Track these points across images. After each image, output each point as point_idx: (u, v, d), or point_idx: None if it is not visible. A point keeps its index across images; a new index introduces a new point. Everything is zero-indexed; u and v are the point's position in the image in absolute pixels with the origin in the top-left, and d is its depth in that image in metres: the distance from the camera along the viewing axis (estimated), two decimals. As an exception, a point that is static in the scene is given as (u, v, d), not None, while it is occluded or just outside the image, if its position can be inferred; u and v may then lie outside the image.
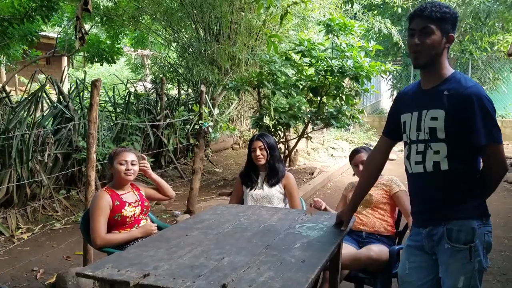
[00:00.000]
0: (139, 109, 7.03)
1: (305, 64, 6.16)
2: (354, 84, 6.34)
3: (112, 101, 7.06)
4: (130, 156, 2.81)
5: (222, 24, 8.44)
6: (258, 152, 3.10)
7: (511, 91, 13.23)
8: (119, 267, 1.76)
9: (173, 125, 7.05)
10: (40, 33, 7.52)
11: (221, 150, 8.44)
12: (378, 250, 2.59)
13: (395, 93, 14.29)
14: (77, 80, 6.32)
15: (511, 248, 4.13)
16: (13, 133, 4.55)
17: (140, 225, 2.81)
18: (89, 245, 3.15)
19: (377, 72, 6.15)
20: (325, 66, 5.87)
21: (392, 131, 2.08)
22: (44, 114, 5.43)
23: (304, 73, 6.25)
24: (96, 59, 7.85)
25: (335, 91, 6.28)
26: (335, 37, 6.33)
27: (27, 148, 4.65)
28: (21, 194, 4.69)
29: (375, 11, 12.03)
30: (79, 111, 5.57)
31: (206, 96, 5.87)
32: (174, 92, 9.58)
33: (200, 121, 4.85)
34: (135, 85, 8.83)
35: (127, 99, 6.87)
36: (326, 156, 9.34)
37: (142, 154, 3.05)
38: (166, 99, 7.29)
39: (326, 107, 6.46)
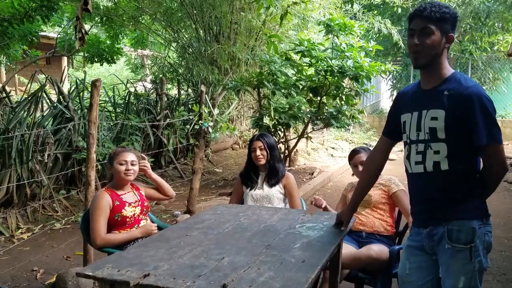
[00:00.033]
0: (139, 109, 7.03)
1: (305, 64, 6.17)
2: (354, 84, 6.34)
3: (112, 101, 7.06)
4: (130, 156, 2.81)
5: (222, 24, 8.44)
6: (258, 152, 3.10)
7: (511, 91, 13.23)
8: (119, 267, 1.76)
9: (173, 125, 7.05)
10: (40, 33, 7.52)
11: (221, 150, 8.44)
12: (378, 249, 2.60)
13: (395, 93, 14.29)
14: (77, 80, 6.32)
15: (511, 248, 4.13)
16: (13, 133, 4.55)
17: (140, 225, 2.81)
18: (89, 245, 3.15)
19: (377, 72, 6.15)
20: (325, 66, 5.87)
21: (392, 131, 2.08)
22: (44, 114, 5.43)
23: (304, 73, 6.25)
24: (96, 59, 7.85)
25: (335, 91, 6.28)
26: (335, 37, 6.33)
27: (27, 148, 4.65)
28: (21, 194, 4.69)
29: (375, 11, 12.04)
30: (79, 111, 5.57)
31: (206, 96, 5.87)
32: (174, 92, 9.58)
33: (200, 121, 4.85)
34: (135, 85, 8.83)
35: (127, 99, 6.87)
36: (326, 156, 9.34)
37: (142, 154, 3.05)
38: (166, 99, 7.29)
39: (326, 107, 6.46)
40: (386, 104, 16.20)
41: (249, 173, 3.19)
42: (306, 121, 6.61)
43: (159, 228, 2.85)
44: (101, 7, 8.75)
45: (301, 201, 3.23)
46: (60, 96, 5.53)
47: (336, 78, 5.99)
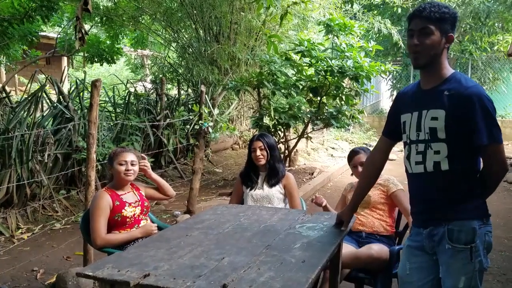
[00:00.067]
0: (139, 109, 7.03)
1: (305, 64, 6.17)
2: (354, 84, 6.34)
3: (112, 101, 7.06)
4: (130, 157, 2.81)
5: (222, 24, 8.44)
6: (258, 152, 3.10)
7: (511, 91, 13.24)
8: (119, 267, 1.76)
9: (173, 125, 7.05)
10: (40, 33, 7.52)
11: (221, 150, 8.44)
12: (378, 248, 2.60)
13: (395, 93, 14.29)
14: (77, 80, 6.32)
15: (511, 248, 4.13)
16: (13, 133, 4.55)
17: (140, 225, 2.81)
18: (89, 245, 3.15)
19: (377, 72, 6.15)
20: (325, 66, 5.87)
21: (392, 131, 2.08)
22: (44, 114, 5.43)
23: (304, 73, 6.25)
24: (96, 59, 7.85)
25: (335, 91, 6.28)
26: (335, 37, 6.33)
27: (27, 148, 4.65)
28: (21, 194, 4.69)
29: (375, 11, 12.04)
30: (79, 111, 5.57)
31: (206, 96, 5.87)
32: (174, 92, 9.58)
33: (200, 121, 4.85)
34: (135, 85, 8.83)
35: (127, 99, 6.87)
36: (326, 156, 9.35)
37: (142, 154, 3.05)
38: (166, 99, 7.29)
39: (326, 107, 6.47)
40: (386, 104, 16.20)
41: (249, 173, 3.19)
42: (306, 121, 6.61)
43: (159, 228, 2.85)
44: (101, 7, 8.75)
45: (301, 201, 3.23)
46: (60, 96, 5.53)
47: (336, 78, 5.99)
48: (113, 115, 6.76)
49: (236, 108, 8.95)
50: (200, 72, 8.39)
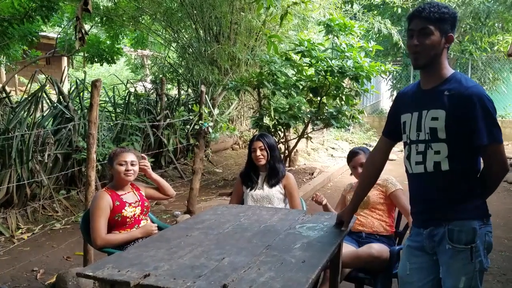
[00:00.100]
0: (139, 109, 7.03)
1: (305, 65, 6.17)
2: (354, 84, 6.34)
3: (112, 101, 7.06)
4: (130, 157, 2.81)
5: (222, 24, 8.44)
6: (259, 152, 3.10)
7: (511, 91, 13.24)
8: (119, 267, 1.76)
9: (173, 125, 7.05)
10: (40, 33, 7.52)
11: (221, 150, 8.44)
12: (379, 248, 2.60)
13: (395, 93, 14.29)
14: (77, 80, 6.32)
15: (511, 249, 4.13)
16: (13, 133, 4.55)
17: (140, 225, 2.81)
18: (89, 245, 3.15)
19: (377, 72, 6.15)
20: (325, 67, 5.87)
21: (392, 131, 2.08)
22: (44, 114, 5.43)
23: (304, 73, 6.25)
24: (96, 59, 7.86)
25: (335, 91, 6.28)
26: (335, 38, 6.33)
27: (27, 148, 4.65)
28: (21, 194, 4.69)
29: (375, 12, 12.04)
30: (79, 111, 5.57)
31: (206, 96, 5.87)
32: (174, 92, 9.58)
33: (200, 121, 4.85)
34: (135, 85, 8.83)
35: (127, 99, 6.87)
36: (326, 156, 9.35)
37: (142, 154, 3.05)
38: (166, 99, 7.29)
39: (326, 107, 6.47)
40: (386, 104, 16.20)
41: (249, 173, 3.19)
42: (306, 121, 6.61)
43: (159, 228, 2.85)
44: (101, 7, 8.75)
45: (301, 201, 3.23)
46: (60, 96, 5.53)
47: (336, 78, 5.99)
48: (113, 115, 6.76)
49: (236, 108, 8.95)
50: (200, 72, 8.39)
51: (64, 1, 7.44)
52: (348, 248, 2.65)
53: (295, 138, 7.11)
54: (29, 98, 5.15)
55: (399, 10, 11.93)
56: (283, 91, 6.27)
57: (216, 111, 5.54)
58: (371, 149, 2.37)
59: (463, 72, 10.97)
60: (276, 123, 6.33)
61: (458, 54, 12.61)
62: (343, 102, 6.40)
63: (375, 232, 2.83)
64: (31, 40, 6.68)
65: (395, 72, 13.30)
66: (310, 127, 7.20)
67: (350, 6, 11.01)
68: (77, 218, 4.76)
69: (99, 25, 9.22)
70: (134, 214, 2.79)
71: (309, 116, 6.40)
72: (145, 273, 1.69)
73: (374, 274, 2.61)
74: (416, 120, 1.87)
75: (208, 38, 8.79)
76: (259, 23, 8.31)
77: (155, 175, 3.00)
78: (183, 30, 9.35)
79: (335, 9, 9.03)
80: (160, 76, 8.88)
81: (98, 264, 1.82)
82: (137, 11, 8.88)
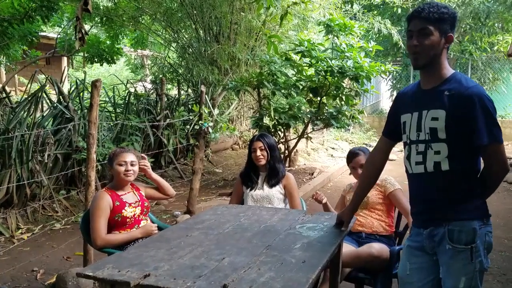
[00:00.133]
0: (139, 109, 7.03)
1: (305, 65, 6.17)
2: (354, 85, 6.34)
3: (112, 101, 7.06)
4: (129, 157, 2.81)
5: (222, 24, 8.44)
6: (259, 152, 3.10)
7: (511, 92, 13.24)
8: (119, 268, 1.76)
9: (173, 126, 7.05)
10: (40, 33, 7.53)
11: (221, 151, 8.44)
12: (379, 247, 2.60)
13: (394, 93, 14.29)
14: (77, 81, 6.32)
15: (511, 249, 4.13)
16: (13, 134, 4.55)
17: (140, 226, 2.81)
18: (89, 246, 3.15)
19: (377, 72, 6.15)
20: (325, 67, 5.87)
21: (392, 131, 2.08)
22: (44, 115, 5.43)
23: (304, 74, 6.25)
24: (96, 60, 7.86)
25: (335, 92, 6.28)
26: (335, 38, 6.33)
27: (27, 149, 4.65)
28: (21, 194, 4.69)
29: (375, 12, 12.04)
30: (79, 112, 5.57)
31: (206, 96, 5.87)
32: (174, 92, 9.58)
33: (200, 122, 4.85)
34: (135, 85, 8.83)
35: (127, 99, 6.87)
36: (326, 156, 9.35)
37: (142, 154, 3.05)
38: (166, 99, 7.29)
39: (326, 107, 6.47)
40: (386, 104, 16.20)
41: (249, 174, 3.19)
42: (306, 121, 6.61)
43: (159, 228, 2.85)
44: (101, 7, 8.75)
45: (301, 201, 3.23)
46: (60, 97, 5.53)
47: (336, 79, 5.99)
48: (113, 115, 6.76)
49: (236, 108, 8.95)
50: (200, 72, 8.39)
51: (64, 1, 7.44)
52: (348, 248, 2.65)
53: (295, 138, 7.11)
54: (29, 98, 5.15)
55: (399, 10, 11.93)
56: (283, 91, 6.27)
57: (216, 111, 5.54)
58: (371, 149, 2.37)
59: (463, 72, 10.98)
60: (276, 123, 6.33)
61: (458, 54, 12.61)
62: (343, 102, 6.41)
63: (375, 232, 2.83)
64: (31, 40, 6.68)
65: (395, 72, 13.30)
66: (310, 127, 7.20)
67: (350, 6, 11.01)
68: (77, 218, 4.76)
69: (99, 25, 9.22)
70: (134, 214, 2.79)
71: (309, 116, 6.40)
72: (145, 273, 1.69)
73: (374, 274, 2.61)
74: (416, 120, 1.87)
75: (208, 38, 8.79)
76: (259, 23, 8.31)
77: (155, 175, 3.00)
78: (183, 30, 9.35)
79: (335, 9, 9.03)
80: (160, 76, 8.88)
81: (98, 264, 1.82)
82: (137, 11, 8.88)
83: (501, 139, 1.77)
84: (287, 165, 7.09)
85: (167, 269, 1.75)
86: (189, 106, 7.53)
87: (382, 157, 2.15)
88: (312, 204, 5.14)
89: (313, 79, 6.12)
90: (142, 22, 9.50)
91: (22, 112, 5.00)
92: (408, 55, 1.90)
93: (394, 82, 14.71)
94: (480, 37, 12.32)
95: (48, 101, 5.64)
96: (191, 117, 7.00)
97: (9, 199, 4.61)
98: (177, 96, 7.96)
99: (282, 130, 6.62)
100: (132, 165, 2.79)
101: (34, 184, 4.79)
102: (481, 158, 1.83)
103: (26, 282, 3.44)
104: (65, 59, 13.14)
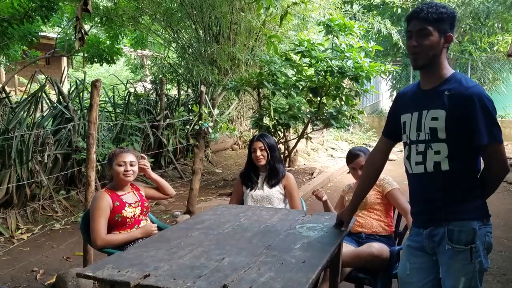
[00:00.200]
0: (139, 109, 7.03)
1: (305, 65, 6.17)
2: (354, 85, 6.34)
3: (112, 101, 7.06)
4: (129, 157, 2.80)
5: (222, 24, 8.44)
6: (259, 152, 3.10)
7: (511, 92, 13.24)
8: (119, 268, 1.76)
9: (173, 126, 7.05)
10: (39, 34, 7.52)
11: (221, 151, 8.44)
12: (379, 247, 2.60)
13: (394, 93, 14.29)
14: (77, 81, 6.32)
15: (511, 249, 4.13)
16: (13, 134, 4.55)
17: (140, 226, 2.80)
18: (89, 246, 3.15)
19: (377, 72, 6.15)
20: (325, 67, 5.87)
21: (392, 131, 2.08)
22: (44, 115, 5.43)
23: (304, 74, 6.25)
24: (95, 60, 7.86)
25: (335, 92, 6.28)
26: (335, 38, 6.33)
27: (26, 149, 4.65)
28: (20, 194, 4.69)
29: (375, 12, 12.03)
30: (79, 112, 5.57)
31: (206, 96, 5.87)
32: (173, 92, 9.58)
33: (200, 122, 4.85)
34: (134, 85, 8.82)
35: (126, 99, 6.87)
36: (326, 156, 9.35)
37: (142, 154, 3.05)
38: (165, 99, 7.29)
39: (326, 107, 6.47)
40: (386, 104, 16.21)
41: (249, 174, 3.19)
42: (306, 121, 6.61)
43: (159, 228, 2.85)
44: (101, 7, 8.75)
45: (301, 201, 3.23)
46: (60, 97, 5.53)
47: (336, 79, 5.99)
48: (113, 115, 6.76)
49: (236, 109, 8.95)
50: (200, 72, 8.39)
51: (64, 1, 7.44)
52: (348, 248, 2.65)
53: (295, 138, 7.11)
54: (29, 98, 5.15)
55: (399, 10, 11.93)
56: (283, 91, 6.27)
57: (216, 111, 5.54)
58: (371, 149, 2.37)
59: (463, 72, 10.96)
60: (276, 123, 6.33)
61: (458, 54, 12.62)
62: (343, 102, 6.41)
63: (375, 232, 2.83)
64: (31, 40, 6.68)
65: (394, 72, 13.31)
66: (310, 127, 7.20)
67: (350, 6, 11.01)
68: (77, 219, 4.76)
69: (99, 25, 9.22)
70: (134, 215, 2.79)
71: (309, 116, 6.40)
72: (145, 273, 1.69)
73: (374, 274, 2.61)
74: (416, 120, 1.87)
75: (208, 38, 8.79)
76: (259, 23, 8.31)
77: (154, 175, 3.00)
78: (183, 30, 9.35)
79: (335, 9, 9.03)
80: (160, 76, 8.88)
81: (98, 265, 1.82)
82: (137, 11, 8.88)
83: (501, 139, 1.77)
84: (287, 165, 7.09)
85: (167, 269, 1.75)
86: (189, 106, 7.53)
87: (382, 157, 2.15)
88: (312, 204, 5.14)
89: (313, 79, 6.12)
90: (142, 22, 9.50)
91: (22, 112, 5.00)
92: (408, 55, 1.90)
93: (394, 82, 14.71)
94: (480, 37, 12.32)
95: (48, 101, 5.64)
96: (191, 117, 7.00)
97: (9, 199, 4.61)
98: (177, 96, 7.96)
99: (282, 130, 6.62)
100: (131, 165, 2.79)
101: (34, 184, 4.79)
102: (481, 158, 1.83)
103: (26, 282, 3.44)
104: (65, 59, 13.14)
